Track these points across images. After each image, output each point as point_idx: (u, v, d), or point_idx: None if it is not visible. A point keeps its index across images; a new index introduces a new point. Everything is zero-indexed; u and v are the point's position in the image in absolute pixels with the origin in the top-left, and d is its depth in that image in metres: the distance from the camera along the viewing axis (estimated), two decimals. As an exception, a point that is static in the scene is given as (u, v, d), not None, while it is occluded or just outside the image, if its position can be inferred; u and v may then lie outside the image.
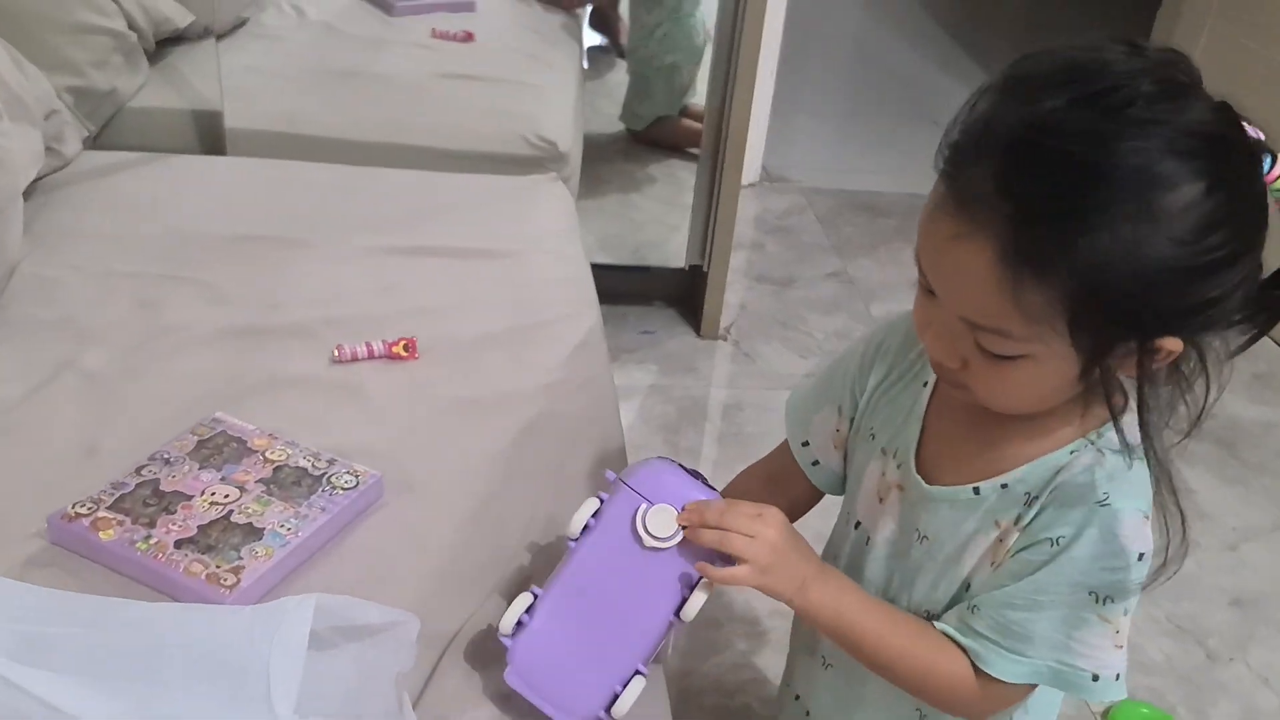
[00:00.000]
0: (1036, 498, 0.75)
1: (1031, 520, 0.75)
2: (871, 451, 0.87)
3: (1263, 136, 0.67)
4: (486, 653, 0.92)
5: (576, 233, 1.69)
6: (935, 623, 0.80)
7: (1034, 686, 0.79)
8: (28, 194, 1.52)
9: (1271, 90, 2.43)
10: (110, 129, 1.86)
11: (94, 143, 1.82)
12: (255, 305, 1.36)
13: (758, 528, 0.79)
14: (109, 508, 0.98)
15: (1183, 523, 0.72)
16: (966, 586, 0.80)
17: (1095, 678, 0.75)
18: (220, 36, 2.09)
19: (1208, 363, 0.69)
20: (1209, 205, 0.62)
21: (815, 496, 0.98)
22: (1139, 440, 0.72)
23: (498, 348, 1.33)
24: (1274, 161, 0.66)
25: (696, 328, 2.25)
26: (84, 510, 0.98)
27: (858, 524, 0.89)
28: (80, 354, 1.23)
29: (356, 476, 1.05)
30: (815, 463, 0.95)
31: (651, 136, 2.72)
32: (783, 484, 0.97)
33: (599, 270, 1.64)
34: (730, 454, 1.92)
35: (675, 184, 2.58)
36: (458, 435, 1.17)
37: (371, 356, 1.28)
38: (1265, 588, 1.71)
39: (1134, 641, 1.55)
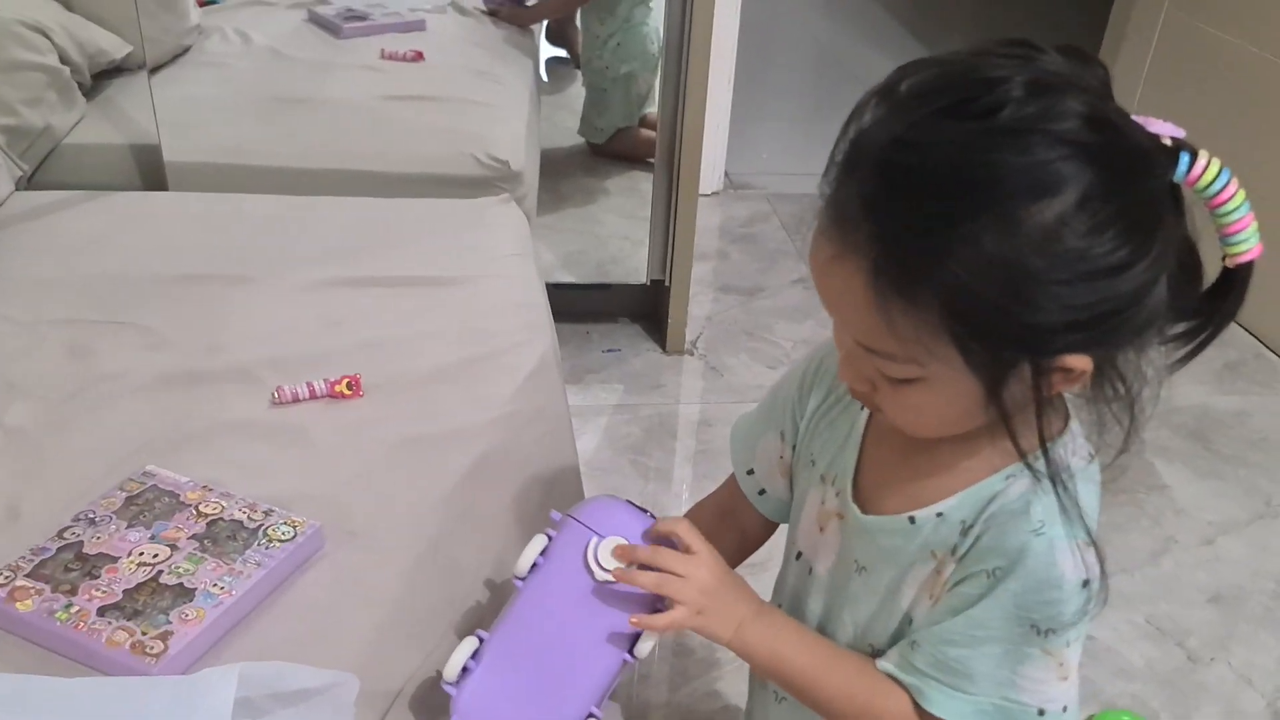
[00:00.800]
0: (971, 527, 0.71)
1: (967, 551, 0.71)
2: (812, 479, 0.83)
3: (1180, 134, 0.62)
4: (435, 706, 0.87)
5: (530, 255, 1.65)
6: (878, 661, 0.77)
7: None
8: (-45, 240, 1.47)
9: (1229, 74, 2.43)
10: (45, 167, 1.82)
11: (29, 182, 1.77)
12: (194, 348, 1.32)
13: (690, 568, 0.76)
14: (28, 575, 0.94)
15: (1100, 560, 0.69)
16: (909, 621, 0.76)
17: (1041, 712, 0.71)
18: (160, 66, 2.03)
19: (1129, 380, 0.65)
20: (1085, 213, 0.58)
21: (768, 527, 0.94)
22: (1075, 461, 0.69)
23: (446, 381, 1.29)
24: (1192, 160, 0.61)
25: (662, 343, 2.22)
26: (0, 580, 0.93)
27: (799, 554, 0.85)
28: (4, 409, 1.18)
29: (294, 527, 1.01)
30: (762, 491, 0.91)
31: (612, 149, 2.69)
32: (733, 516, 0.93)
33: (560, 289, 1.61)
34: (701, 472, 1.89)
35: (637, 197, 2.54)
36: (404, 476, 1.13)
37: (313, 397, 1.23)
38: (1244, 582, 1.69)
39: (1113, 647, 1.53)
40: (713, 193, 2.89)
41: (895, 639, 0.77)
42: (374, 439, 1.18)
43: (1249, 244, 0.63)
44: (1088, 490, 0.70)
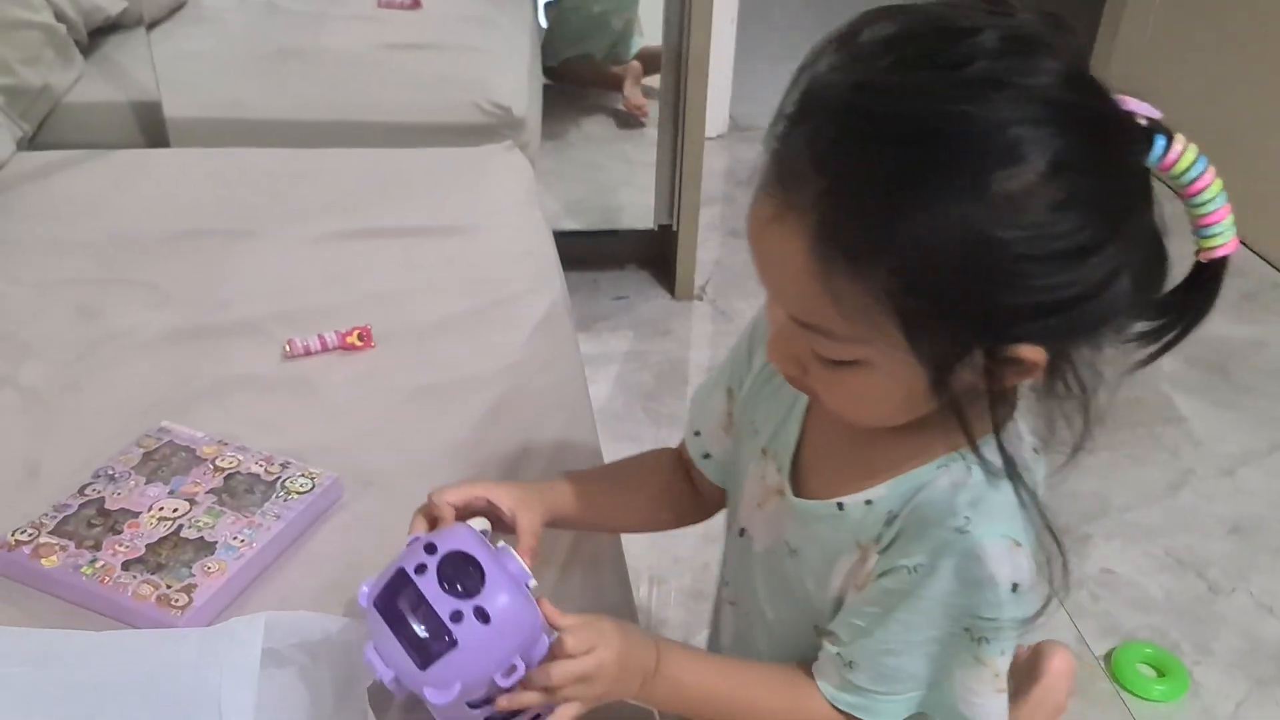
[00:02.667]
0: (896, 517, 0.66)
1: (890, 543, 0.66)
2: (753, 451, 0.77)
3: (1156, 115, 0.57)
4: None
5: (536, 202, 1.63)
6: (819, 681, 0.71)
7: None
8: (-41, 203, 1.46)
9: (1224, 64, 2.38)
10: (47, 127, 1.80)
11: (30, 143, 1.75)
12: (202, 304, 1.31)
13: (585, 688, 0.68)
14: (51, 532, 0.94)
15: (1063, 558, 0.62)
16: (838, 605, 0.71)
17: None
18: (156, 22, 2.01)
19: (1083, 378, 0.58)
20: (1055, 185, 0.52)
21: (699, 512, 0.89)
22: (1028, 459, 0.64)
23: (456, 331, 1.28)
24: (1168, 144, 0.56)
25: (671, 289, 2.20)
26: (24, 537, 0.93)
27: (742, 530, 0.80)
28: (18, 369, 1.18)
29: (312, 479, 1.01)
30: (707, 455, 0.84)
31: (566, 71, 2.63)
32: (688, 477, 0.87)
33: (566, 237, 1.59)
34: (713, 416, 1.88)
35: (642, 142, 2.52)
36: (418, 426, 1.13)
37: (325, 349, 1.23)
38: (1264, 512, 1.68)
39: (1133, 580, 1.53)
40: (718, 135, 2.85)
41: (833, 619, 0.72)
42: (387, 389, 1.18)
43: (1225, 237, 0.58)
44: (1017, 491, 0.64)
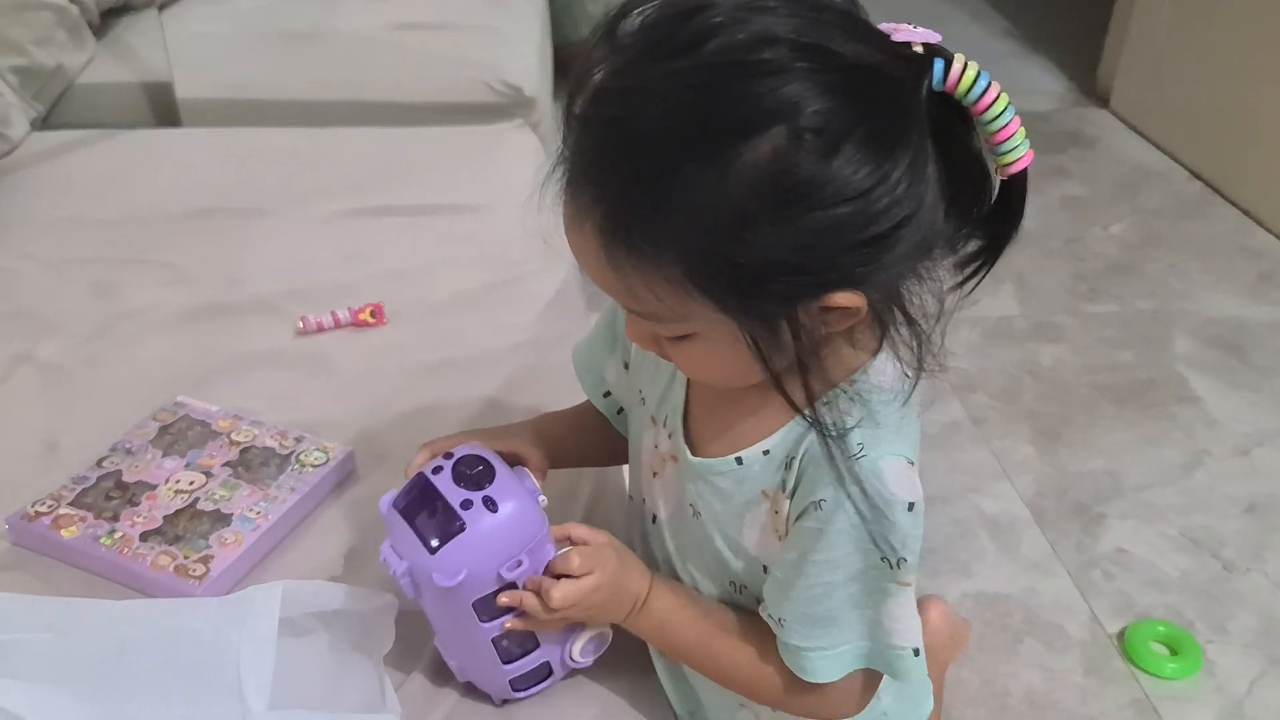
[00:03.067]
0: (794, 459, 0.67)
1: (796, 486, 0.67)
2: (644, 420, 0.79)
3: (934, 38, 0.57)
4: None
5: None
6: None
7: (875, 683, 0.73)
8: (-26, 182, 1.47)
9: (1239, 49, 2.36)
10: (60, 108, 1.80)
11: (44, 123, 1.75)
12: (216, 282, 1.31)
13: (584, 595, 0.71)
14: (70, 504, 0.94)
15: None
16: (764, 569, 0.72)
17: (916, 652, 0.69)
18: (167, 3, 2.01)
19: (908, 310, 0.61)
20: (803, 144, 0.53)
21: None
22: (896, 384, 0.66)
23: (468, 307, 1.28)
24: (947, 67, 0.56)
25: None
26: (44, 509, 0.94)
27: (642, 500, 0.82)
28: (36, 346, 1.19)
29: (326, 453, 1.01)
30: (621, 410, 0.87)
31: (565, 56, 2.62)
32: (594, 429, 0.90)
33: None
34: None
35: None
36: (430, 401, 1.13)
37: (338, 326, 1.23)
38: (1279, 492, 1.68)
39: (1147, 559, 1.53)
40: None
41: (755, 581, 0.74)
42: (399, 365, 1.18)
43: (1019, 151, 0.59)
44: (906, 413, 0.67)
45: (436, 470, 0.73)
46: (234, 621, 0.78)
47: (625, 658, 0.83)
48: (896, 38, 0.57)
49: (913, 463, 0.66)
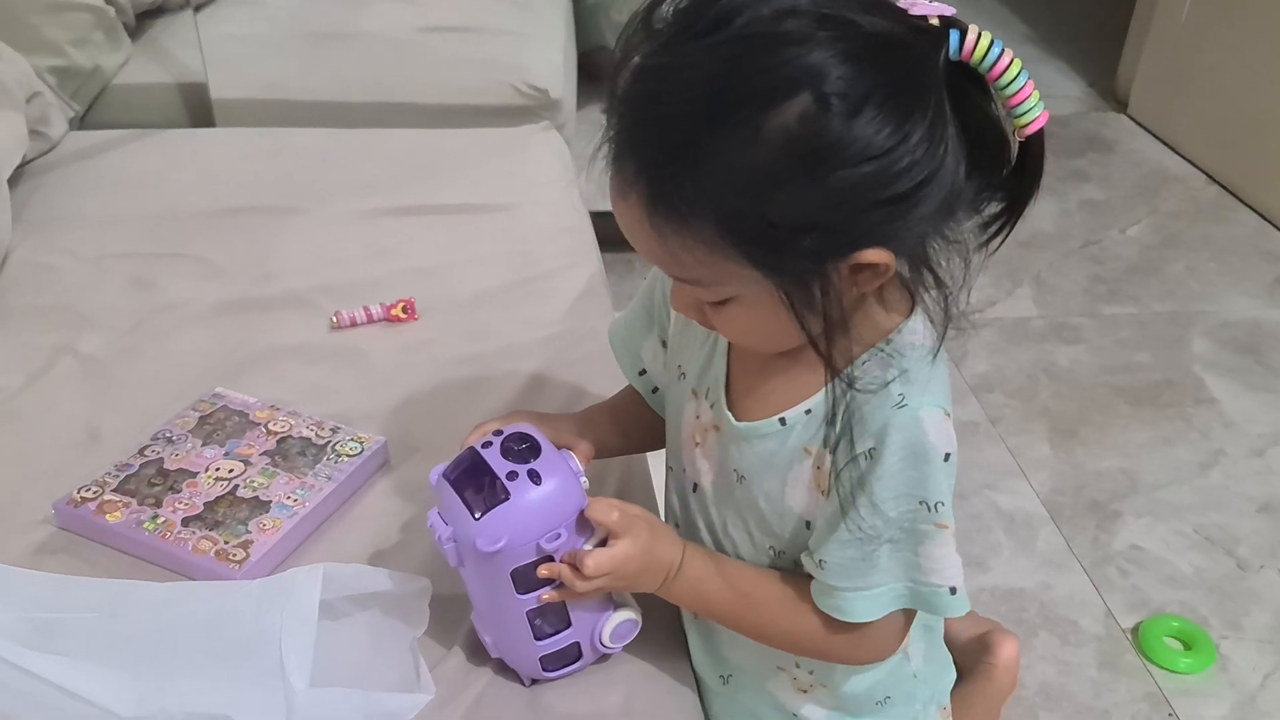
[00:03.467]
0: (836, 415, 0.71)
1: (839, 440, 0.71)
2: (684, 393, 0.83)
3: (948, 11, 0.61)
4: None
5: (573, 180, 1.66)
6: (812, 592, 0.76)
7: (909, 622, 0.77)
8: (16, 179, 1.51)
9: (1260, 48, 2.36)
10: (96, 108, 1.84)
11: (81, 123, 1.80)
12: (250, 277, 1.35)
13: (616, 563, 0.75)
14: (114, 490, 0.98)
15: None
16: (807, 525, 0.76)
17: (953, 590, 0.72)
18: (201, 6, 2.05)
19: (934, 267, 0.65)
20: (827, 108, 0.57)
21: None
22: (928, 342, 0.70)
23: (498, 304, 1.31)
24: (962, 37, 0.60)
25: (703, 269, 2.21)
26: (89, 494, 0.97)
27: (683, 471, 0.85)
28: (78, 338, 1.22)
29: (361, 443, 1.05)
30: (655, 390, 0.91)
31: (587, 63, 2.65)
32: (634, 417, 0.93)
33: (601, 217, 1.61)
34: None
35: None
36: (461, 394, 1.16)
37: (370, 321, 1.26)
38: (1295, 493, 1.69)
39: (1162, 556, 1.54)
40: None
41: (796, 541, 0.77)
42: (431, 359, 1.21)
43: (1034, 113, 0.62)
44: (938, 368, 0.71)
45: (486, 445, 0.77)
46: (275, 603, 0.81)
47: (651, 641, 0.86)
48: (914, 12, 0.61)
49: (949, 414, 0.70)
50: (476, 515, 0.74)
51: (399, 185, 1.56)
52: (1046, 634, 1.42)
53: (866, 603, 0.73)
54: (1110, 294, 2.16)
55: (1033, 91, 0.62)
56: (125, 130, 1.70)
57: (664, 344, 0.88)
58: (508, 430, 0.78)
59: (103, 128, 1.75)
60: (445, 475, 0.78)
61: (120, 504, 0.96)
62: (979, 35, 0.60)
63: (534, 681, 0.84)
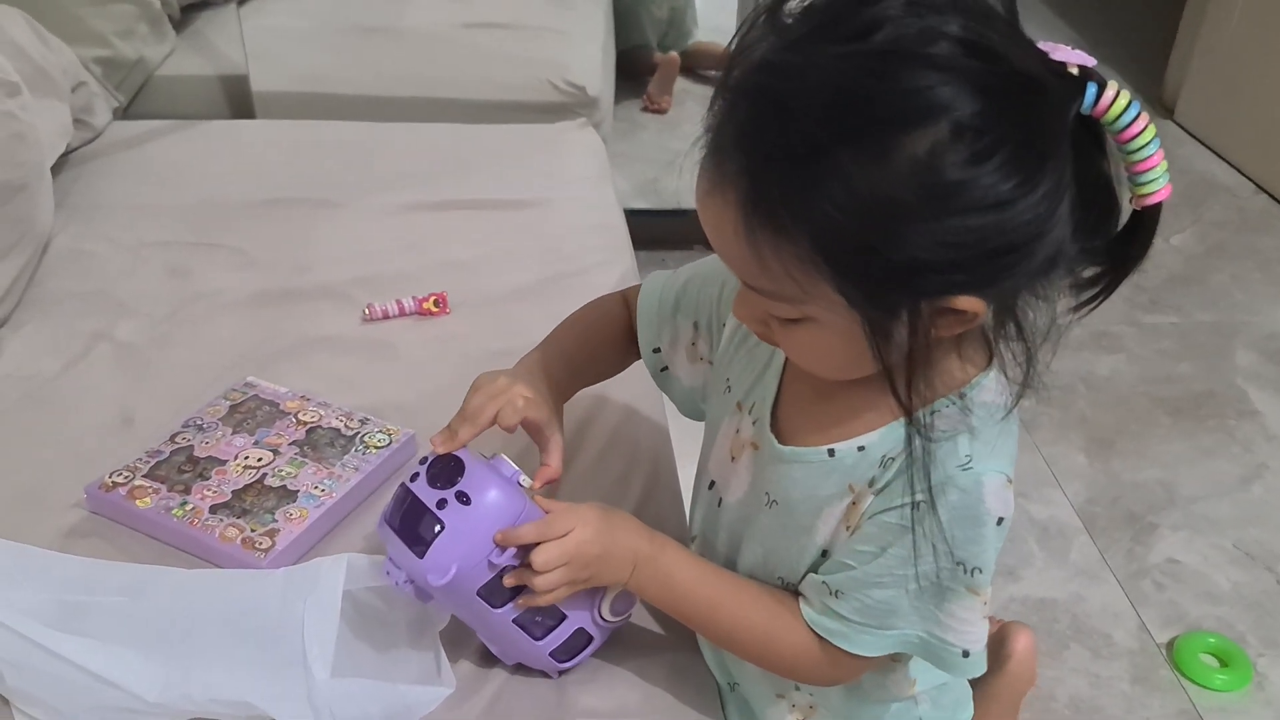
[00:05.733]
0: (893, 459, 0.68)
1: (888, 483, 0.69)
2: (727, 406, 0.80)
3: (1089, 63, 0.58)
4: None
5: (608, 178, 1.66)
6: (802, 604, 0.74)
7: (897, 658, 0.75)
8: (59, 167, 1.53)
9: None
10: (140, 99, 1.86)
11: (124, 113, 1.82)
12: (285, 268, 1.36)
13: (569, 550, 0.73)
14: (145, 476, 0.99)
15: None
16: (824, 555, 0.74)
17: (965, 654, 0.70)
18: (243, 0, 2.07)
19: (1024, 325, 0.62)
20: (962, 144, 0.54)
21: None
22: (1001, 400, 0.67)
23: (529, 299, 1.31)
24: (1100, 92, 0.57)
25: (738, 269, 2.20)
26: (120, 479, 0.98)
27: (711, 483, 0.83)
28: (114, 325, 1.24)
29: (389, 435, 1.05)
30: (665, 369, 0.89)
31: (625, 63, 2.66)
32: (623, 354, 0.92)
33: (636, 216, 1.61)
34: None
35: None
36: (490, 389, 1.16)
37: (402, 314, 1.27)
38: (1338, 510, 1.65)
39: (1200, 570, 1.51)
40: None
41: (808, 572, 0.75)
42: (461, 353, 1.21)
43: (1158, 184, 0.59)
44: (1006, 429, 0.68)
45: (414, 478, 0.75)
46: (299, 592, 0.81)
47: (673, 637, 0.85)
48: (1055, 56, 0.58)
49: (1010, 480, 0.68)
50: (419, 552, 0.73)
51: (434, 180, 1.56)
52: (1078, 646, 1.40)
53: (874, 640, 0.71)
54: (1152, 303, 2.12)
55: (1161, 160, 0.59)
56: (167, 121, 1.72)
57: (695, 326, 0.85)
58: (431, 455, 0.76)
59: (146, 118, 1.77)
60: (386, 520, 0.76)
61: (150, 490, 0.97)
62: (1117, 92, 0.57)
63: (561, 672, 0.83)
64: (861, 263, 0.57)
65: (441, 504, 0.73)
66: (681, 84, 2.74)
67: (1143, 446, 1.75)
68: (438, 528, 0.72)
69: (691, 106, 2.69)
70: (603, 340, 0.94)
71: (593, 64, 1.96)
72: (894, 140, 0.54)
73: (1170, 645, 1.40)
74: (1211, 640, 1.40)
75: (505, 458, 0.78)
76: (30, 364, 1.18)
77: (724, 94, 0.60)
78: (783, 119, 0.56)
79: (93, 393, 1.14)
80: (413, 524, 0.74)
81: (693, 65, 2.78)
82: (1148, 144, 0.58)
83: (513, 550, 0.73)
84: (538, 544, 0.73)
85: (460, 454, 0.76)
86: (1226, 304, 2.12)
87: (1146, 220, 0.61)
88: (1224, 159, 2.64)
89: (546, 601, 0.75)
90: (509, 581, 0.74)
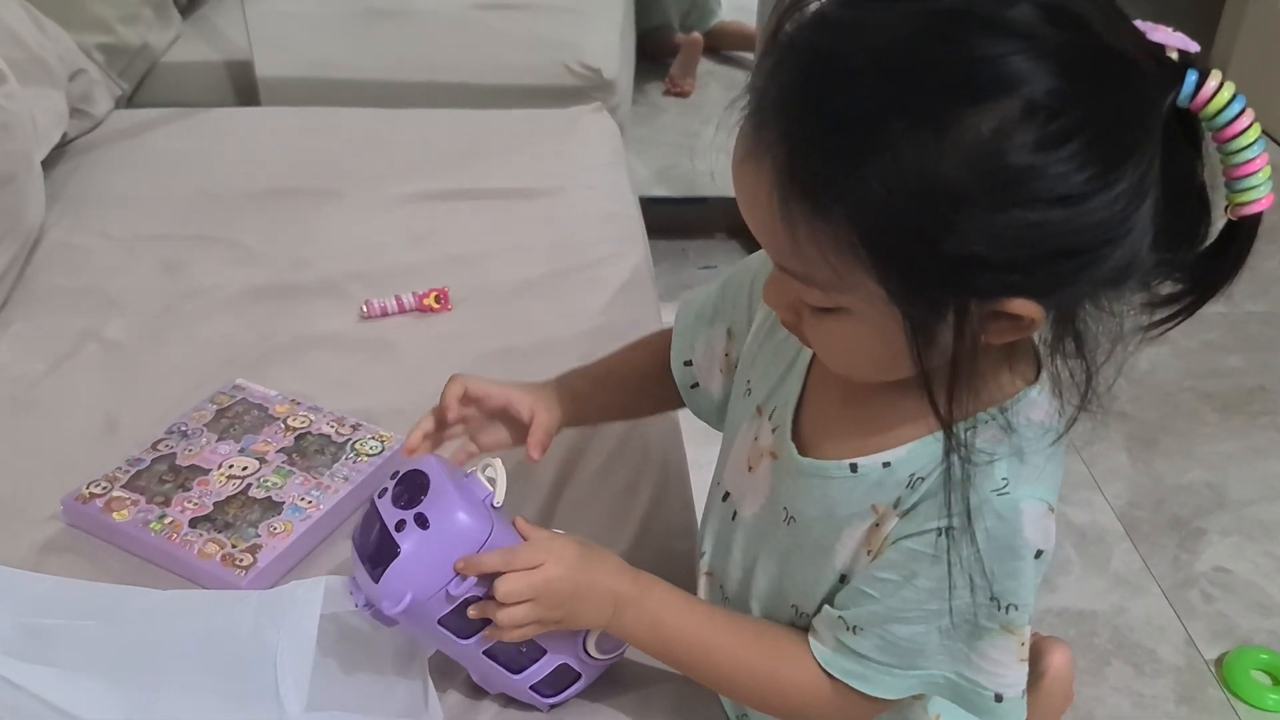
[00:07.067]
0: (922, 479, 0.61)
1: (915, 505, 0.62)
2: (746, 411, 0.73)
3: (1192, 47, 0.51)
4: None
5: (623, 165, 1.59)
6: (812, 641, 0.67)
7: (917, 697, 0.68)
8: (56, 158, 1.49)
9: None
10: (145, 86, 1.82)
11: (129, 101, 1.77)
12: (283, 263, 1.30)
13: (535, 586, 0.66)
14: (124, 486, 0.94)
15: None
16: (843, 580, 0.67)
17: (998, 698, 0.63)
18: (251, -18, 2.02)
19: (1085, 341, 0.54)
20: (1032, 125, 0.47)
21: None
22: (1049, 420, 0.59)
23: (535, 294, 1.25)
24: (1200, 81, 0.50)
25: (761, 259, 2.13)
26: (98, 490, 0.93)
27: (726, 495, 0.76)
28: (103, 324, 1.19)
29: (382, 442, 0.99)
30: (695, 385, 0.82)
31: (648, 44, 2.59)
32: (659, 386, 0.84)
33: (654, 204, 1.55)
34: (801, 391, 1.82)
35: (735, 110, 2.45)
36: (493, 391, 1.10)
37: (401, 311, 1.21)
38: (1398, 514, 1.55)
39: (1252, 580, 1.43)
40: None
41: (824, 600, 0.68)
42: (462, 352, 1.15)
43: (1259, 191, 0.52)
44: (1054, 454, 0.60)
45: (382, 493, 0.70)
46: (274, 618, 0.75)
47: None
48: (1153, 37, 0.51)
49: (1053, 509, 0.60)
50: (375, 577, 0.67)
51: (441, 168, 1.50)
52: (1120, 663, 1.32)
53: (895, 681, 0.64)
54: (1198, 292, 2.02)
55: (1266, 165, 0.51)
56: (168, 109, 1.67)
57: (729, 333, 0.79)
58: (402, 470, 0.70)
59: (150, 106, 1.72)
60: (353, 537, 0.71)
61: (129, 501, 0.92)
62: (1220, 84, 0.50)
63: (551, 707, 0.77)
64: (907, 252, 0.50)
65: (400, 525, 0.67)
66: (705, 65, 2.66)
67: (1189, 446, 1.66)
68: (394, 549, 0.66)
69: (715, 89, 2.61)
70: (635, 357, 0.88)
71: (610, 45, 1.89)
72: (955, 114, 0.47)
73: (1219, 662, 1.32)
74: (1264, 656, 1.32)
75: (480, 477, 0.71)
76: (16, 365, 1.14)
77: (771, 48, 0.53)
78: (831, 81, 0.50)
79: (78, 396, 1.09)
80: (371, 545, 0.68)
81: (716, 46, 2.70)
82: (1251, 144, 0.51)
83: (473, 580, 0.67)
84: (502, 572, 0.67)
85: (429, 469, 0.70)
86: (1278, 293, 2.02)
87: (1242, 233, 0.53)
88: (1274, 139, 2.52)
89: (513, 639, 0.69)
90: (473, 613, 0.68)
